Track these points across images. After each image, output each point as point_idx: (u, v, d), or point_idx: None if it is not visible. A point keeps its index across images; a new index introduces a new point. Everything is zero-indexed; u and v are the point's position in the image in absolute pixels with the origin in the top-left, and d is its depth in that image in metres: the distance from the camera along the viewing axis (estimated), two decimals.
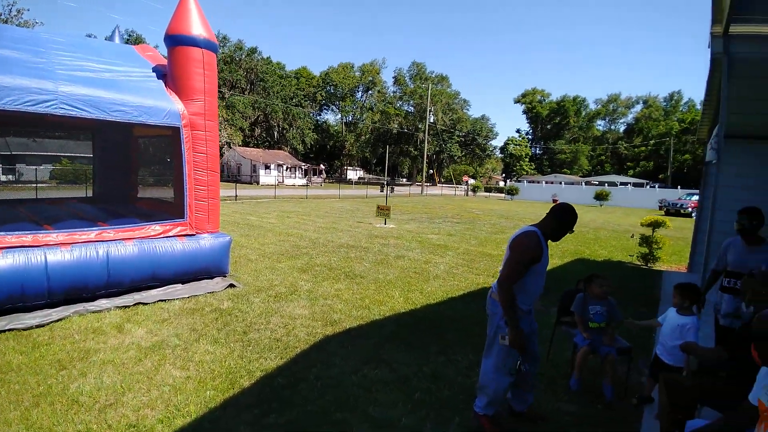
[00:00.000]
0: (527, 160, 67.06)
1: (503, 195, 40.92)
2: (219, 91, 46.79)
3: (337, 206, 19.88)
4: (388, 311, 4.96)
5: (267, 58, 55.47)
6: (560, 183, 42.48)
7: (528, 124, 72.58)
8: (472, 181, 46.65)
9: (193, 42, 5.27)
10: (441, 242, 10.32)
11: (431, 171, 61.38)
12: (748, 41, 4.89)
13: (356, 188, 40.41)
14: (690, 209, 23.82)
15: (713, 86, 5.84)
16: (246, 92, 52.30)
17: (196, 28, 5.29)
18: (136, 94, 5.02)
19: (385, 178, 27.30)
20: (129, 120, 4.92)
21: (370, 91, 64.12)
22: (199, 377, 3.19)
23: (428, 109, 42.84)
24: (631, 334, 4.26)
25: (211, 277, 5.60)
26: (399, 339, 4.13)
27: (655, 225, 8.15)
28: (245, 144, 50.76)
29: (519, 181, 45.94)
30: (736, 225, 3.34)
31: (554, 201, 34.68)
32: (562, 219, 2.52)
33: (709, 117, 6.79)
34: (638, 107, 65.36)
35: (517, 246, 2.47)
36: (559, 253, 9.53)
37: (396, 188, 42.75)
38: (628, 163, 61.66)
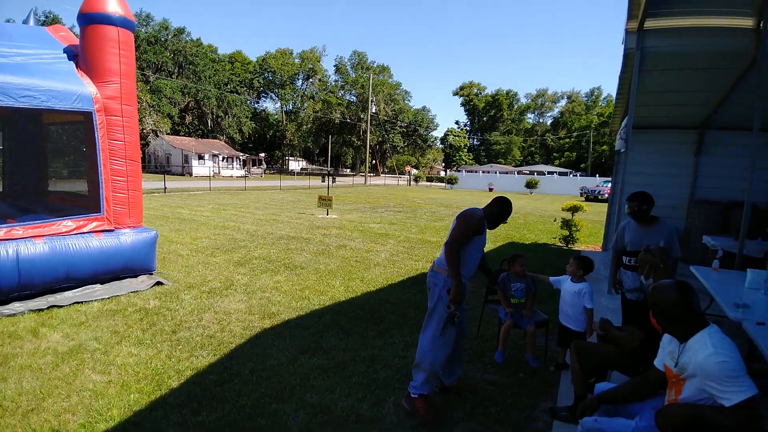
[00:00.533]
0: (466, 150, 69.75)
1: (444, 184, 42.31)
2: (142, 74, 43.03)
3: (278, 198, 19.33)
4: (328, 300, 4.97)
5: (197, 39, 51.80)
6: (496, 172, 44.86)
7: (466, 116, 75.37)
8: (414, 171, 47.64)
9: (107, 20, 4.80)
10: (383, 231, 10.47)
11: (374, 161, 61.70)
12: (661, 35, 5.47)
13: (299, 179, 39.50)
14: (605, 195, 26.40)
15: (625, 80, 6.45)
16: (174, 76, 48.55)
17: (111, 5, 4.82)
18: (44, 78, 4.51)
19: (328, 169, 26.97)
20: (37, 106, 4.40)
21: (310, 80, 62.56)
22: (122, 381, 2.99)
23: (370, 99, 42.82)
24: (548, 310, 4.69)
25: (135, 276, 5.22)
26: (338, 327, 4.16)
27: (574, 210, 8.95)
28: (175, 132, 47.24)
29: (458, 171, 47.78)
30: (627, 209, 3.72)
31: (490, 189, 36.63)
32: (501, 209, 2.82)
33: (621, 109, 7.52)
34: (563, 102, 70.71)
35: (465, 217, 2.71)
36: (492, 238, 10.11)
37: (339, 179, 42.47)
38: (555, 154, 66.53)
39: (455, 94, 74.65)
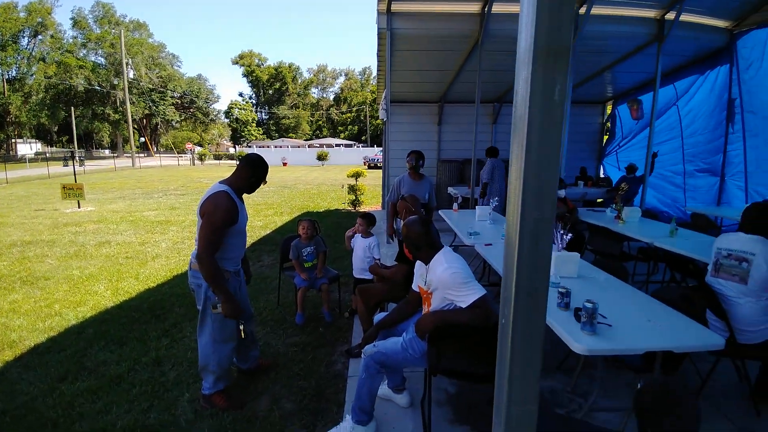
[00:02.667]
0: (254, 125, 66.77)
1: (235, 162, 39.59)
2: None
3: (3, 194, 13.99)
4: (89, 311, 4.00)
5: None
6: (287, 147, 44.88)
7: (250, 88, 71.53)
8: (198, 149, 42.60)
9: None
10: (161, 218, 9.06)
11: (143, 139, 51.81)
12: (406, 18, 6.26)
13: (33, 166, 29.28)
14: (381, 162, 30.33)
15: (381, 58, 7.28)
16: None
17: None
18: None
19: (75, 150, 21.07)
20: None
21: (39, 36, 45.96)
22: None
23: (124, 61, 34.96)
24: (342, 264, 5.14)
25: None
26: (106, 338, 3.42)
27: (357, 176, 9.92)
28: None
29: (249, 147, 45.41)
30: (407, 163, 4.40)
31: (284, 164, 36.54)
32: (253, 170, 2.40)
33: (382, 84, 8.54)
34: (342, 78, 75.81)
35: (209, 212, 2.20)
36: (288, 210, 10.20)
37: (94, 162, 33.88)
38: (340, 128, 71.43)
39: (235, 63, 69.39)
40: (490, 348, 2.01)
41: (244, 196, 2.48)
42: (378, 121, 65.68)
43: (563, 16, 0.75)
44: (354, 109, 67.87)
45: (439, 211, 5.50)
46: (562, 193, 4.73)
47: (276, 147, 44.96)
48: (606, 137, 10.05)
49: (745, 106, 6.35)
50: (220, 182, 2.37)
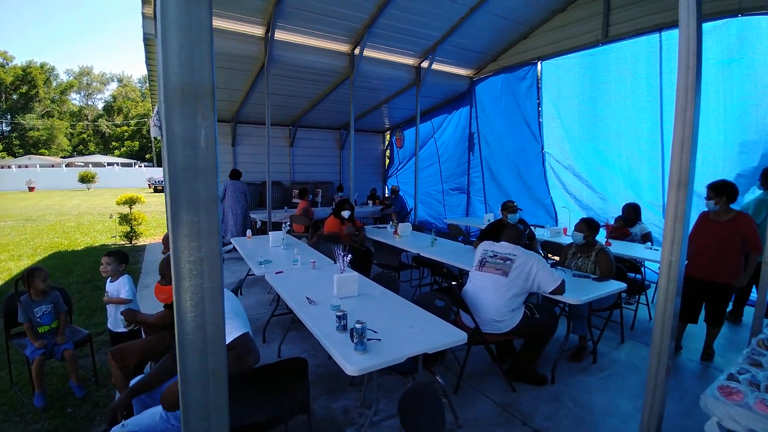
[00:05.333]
0: None
1: None
2: None
3: None
4: None
5: None
6: (36, 166, 34.20)
7: None
8: None
9: None
10: None
11: None
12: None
13: None
14: None
15: (152, 68, 6.35)
16: None
17: None
18: None
19: None
20: None
21: None
22: None
23: None
24: (88, 323, 4.16)
25: None
26: None
27: (131, 202, 8.31)
28: None
29: None
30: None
31: (30, 189, 27.54)
32: None
33: (157, 98, 7.48)
34: (114, 85, 63.49)
35: None
36: (30, 252, 7.65)
37: None
38: (114, 143, 59.44)
39: None
40: (258, 392, 1.88)
41: None
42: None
43: (200, 56, 0.71)
44: (133, 122, 57.77)
45: (232, 240, 5.11)
46: (346, 214, 5.10)
47: (19, 167, 33.74)
48: (387, 162, 11.60)
49: (481, 139, 8.40)
50: None
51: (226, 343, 1.67)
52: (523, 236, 3.17)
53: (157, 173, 32.46)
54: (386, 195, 11.31)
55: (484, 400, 2.80)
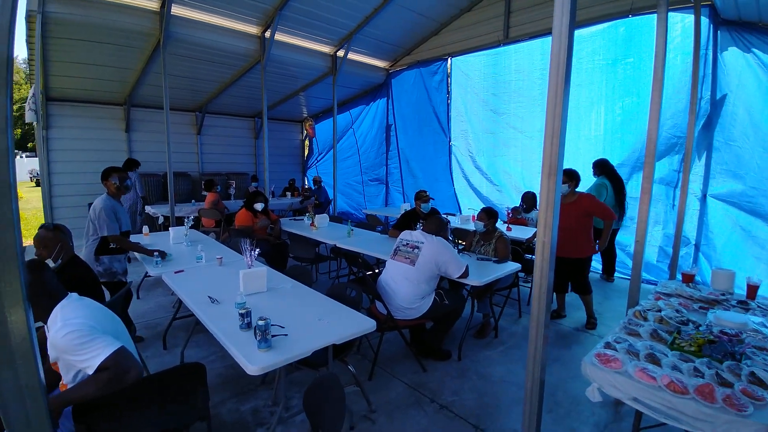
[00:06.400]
0: None
1: None
2: None
3: None
4: None
5: None
6: None
7: None
8: None
9: None
10: None
11: None
12: (64, 2, 4.83)
13: None
14: None
15: (32, 46, 5.44)
16: None
17: None
18: None
19: None
20: None
21: None
22: None
23: None
24: None
25: None
26: None
27: None
28: None
29: None
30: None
31: None
32: None
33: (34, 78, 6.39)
34: None
35: None
36: None
37: None
38: None
39: None
40: (147, 404, 1.71)
41: None
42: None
43: None
44: (16, 107, 48.68)
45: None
46: (259, 206, 4.88)
47: None
48: (307, 152, 11.33)
49: (398, 131, 8.57)
50: None
51: (95, 365, 1.47)
52: (445, 225, 3.32)
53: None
54: (305, 186, 11.07)
55: (397, 383, 2.90)
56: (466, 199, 7.40)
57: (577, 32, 5.81)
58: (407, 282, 3.00)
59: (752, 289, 2.53)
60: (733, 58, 4.47)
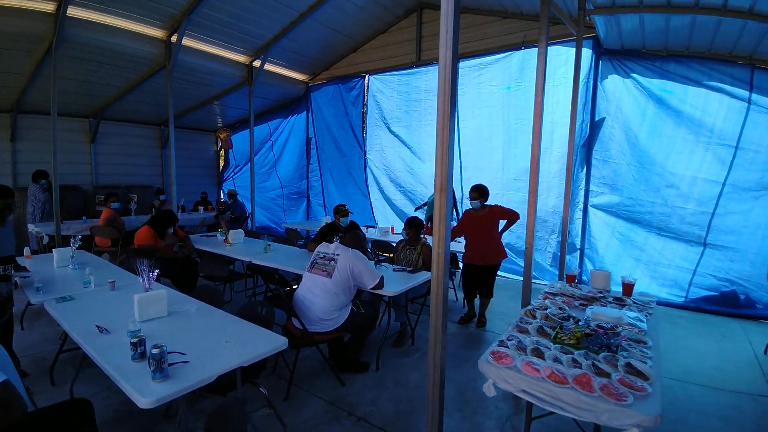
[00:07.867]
0: None
1: None
2: None
3: None
4: None
5: None
6: None
7: None
8: None
9: None
10: None
11: None
12: None
13: None
14: None
15: None
16: None
17: None
18: None
19: None
20: None
21: None
22: None
23: None
24: None
25: None
26: None
27: None
28: None
29: None
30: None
31: None
32: None
33: None
34: None
35: None
36: None
37: None
38: None
39: None
40: None
41: None
42: None
43: None
44: None
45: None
46: (170, 230, 4.52)
47: None
48: (222, 164, 10.75)
49: (318, 144, 8.53)
50: None
51: None
52: (362, 240, 3.37)
53: None
54: (220, 200, 10.47)
55: (315, 401, 2.85)
56: (382, 211, 7.62)
57: (476, 60, 6.37)
58: (325, 294, 2.99)
59: (627, 287, 2.90)
60: (613, 84, 5.21)
